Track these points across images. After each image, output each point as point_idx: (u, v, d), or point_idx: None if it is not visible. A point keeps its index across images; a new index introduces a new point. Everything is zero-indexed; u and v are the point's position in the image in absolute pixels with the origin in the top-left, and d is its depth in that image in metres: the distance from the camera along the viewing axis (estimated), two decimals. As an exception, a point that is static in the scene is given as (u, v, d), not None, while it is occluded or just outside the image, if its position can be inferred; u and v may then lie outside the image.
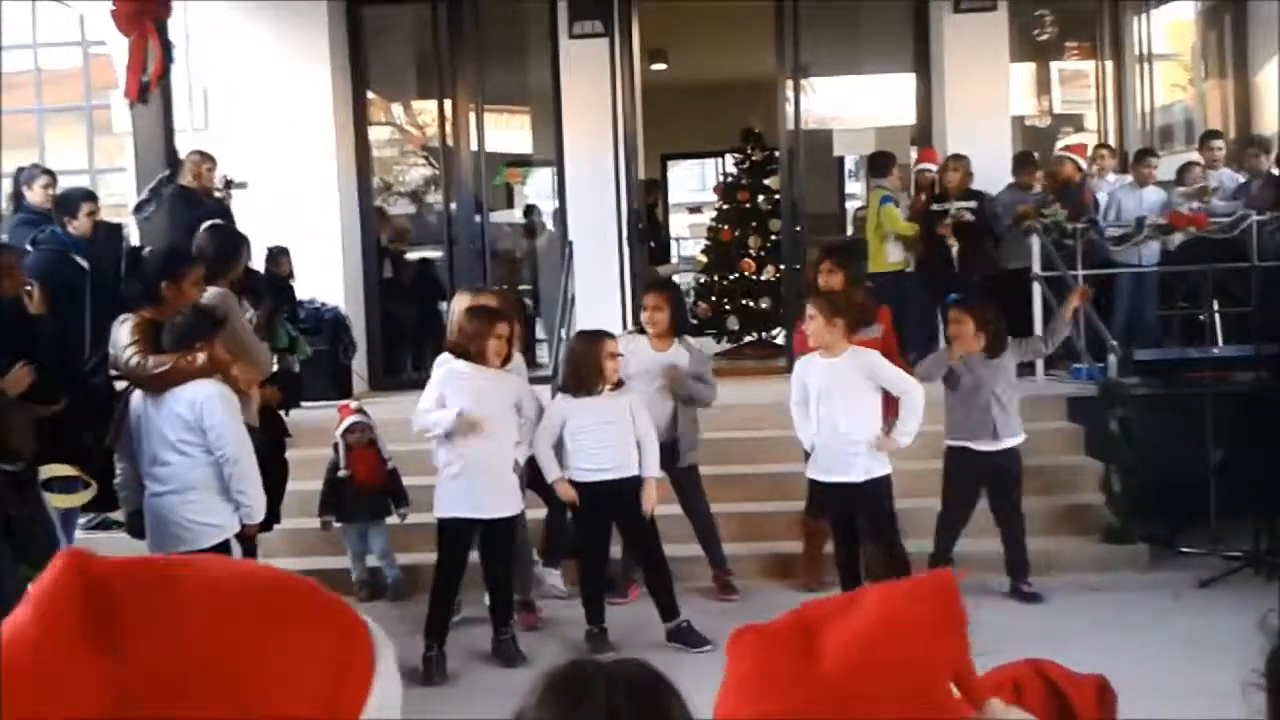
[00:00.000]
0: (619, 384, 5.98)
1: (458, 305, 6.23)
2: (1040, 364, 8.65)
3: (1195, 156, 10.05)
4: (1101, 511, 7.21)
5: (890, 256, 9.28)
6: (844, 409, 5.95)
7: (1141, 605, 6.41)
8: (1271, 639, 1.08)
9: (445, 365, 5.91)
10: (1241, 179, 9.42)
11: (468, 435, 5.61)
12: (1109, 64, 10.97)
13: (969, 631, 1.09)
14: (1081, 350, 8.35)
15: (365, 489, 6.44)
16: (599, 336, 6.05)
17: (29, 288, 6.31)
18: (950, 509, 6.55)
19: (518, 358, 6.28)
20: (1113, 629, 6.02)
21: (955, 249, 8.99)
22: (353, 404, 6.94)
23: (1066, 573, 6.90)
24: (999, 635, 5.93)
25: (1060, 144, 11.27)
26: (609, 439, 5.88)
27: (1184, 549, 7.10)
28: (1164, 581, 6.75)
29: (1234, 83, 10.90)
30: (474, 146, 10.72)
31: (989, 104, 10.00)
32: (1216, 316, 8.61)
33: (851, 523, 6.12)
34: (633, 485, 5.92)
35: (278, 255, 8.88)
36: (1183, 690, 5.01)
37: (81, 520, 6.59)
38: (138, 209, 8.18)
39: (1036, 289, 8.61)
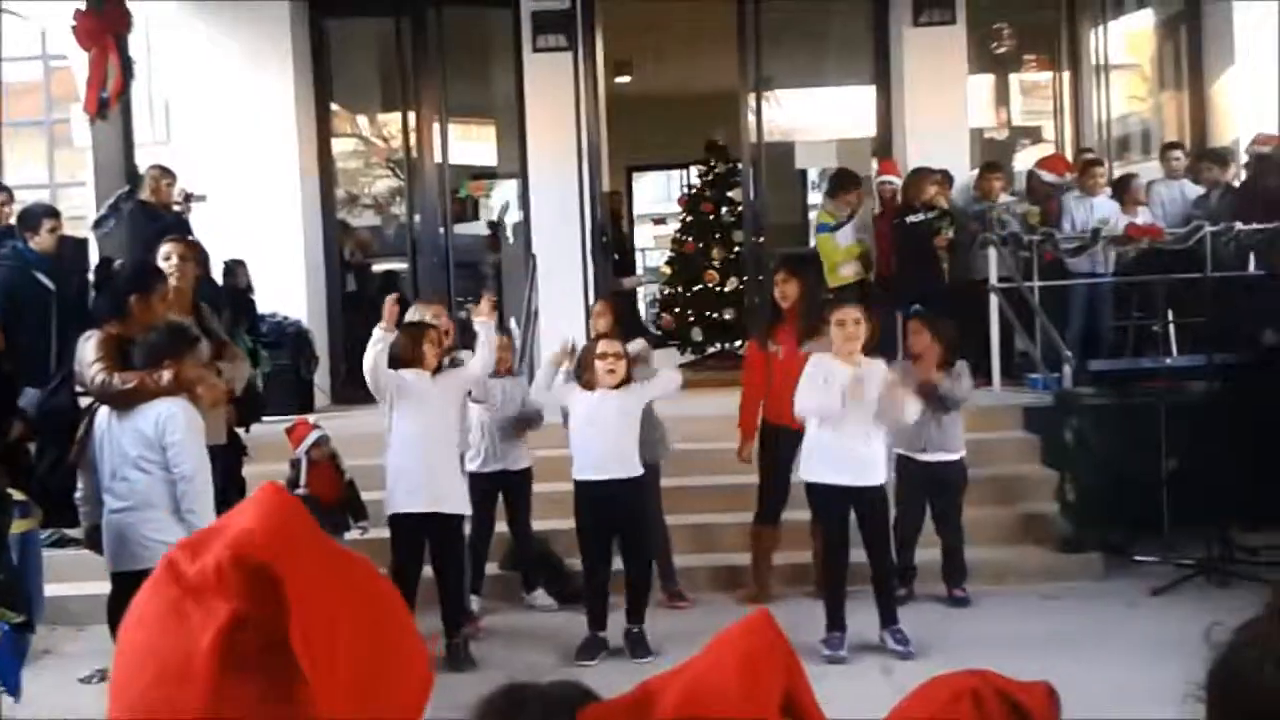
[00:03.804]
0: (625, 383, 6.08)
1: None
2: (997, 374, 8.77)
3: (1152, 166, 10.20)
4: (1057, 520, 7.31)
5: (841, 271, 9.33)
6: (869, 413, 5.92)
7: (1096, 613, 6.49)
8: (1215, 651, 1.11)
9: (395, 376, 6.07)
10: (1201, 190, 9.55)
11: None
12: (1066, 75, 11.10)
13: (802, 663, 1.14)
14: (1038, 360, 8.45)
15: (323, 505, 6.45)
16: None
17: None
18: (901, 514, 6.61)
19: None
20: (1068, 637, 6.07)
21: (943, 255, 9.19)
22: (310, 419, 6.95)
23: (1022, 581, 6.99)
24: (953, 644, 6.05)
25: (1022, 154, 11.43)
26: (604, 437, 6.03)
27: (1138, 557, 7.19)
28: (1118, 590, 6.84)
29: (1190, 94, 11.05)
30: (438, 159, 10.75)
31: (948, 116, 10.13)
32: (1171, 327, 8.73)
33: (846, 527, 6.08)
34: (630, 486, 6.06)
35: (234, 267, 8.88)
36: (1137, 697, 5.09)
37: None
38: (97, 224, 8.17)
39: (994, 300, 8.71)
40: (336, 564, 1.04)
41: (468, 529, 6.42)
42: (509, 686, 1.27)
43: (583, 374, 6.12)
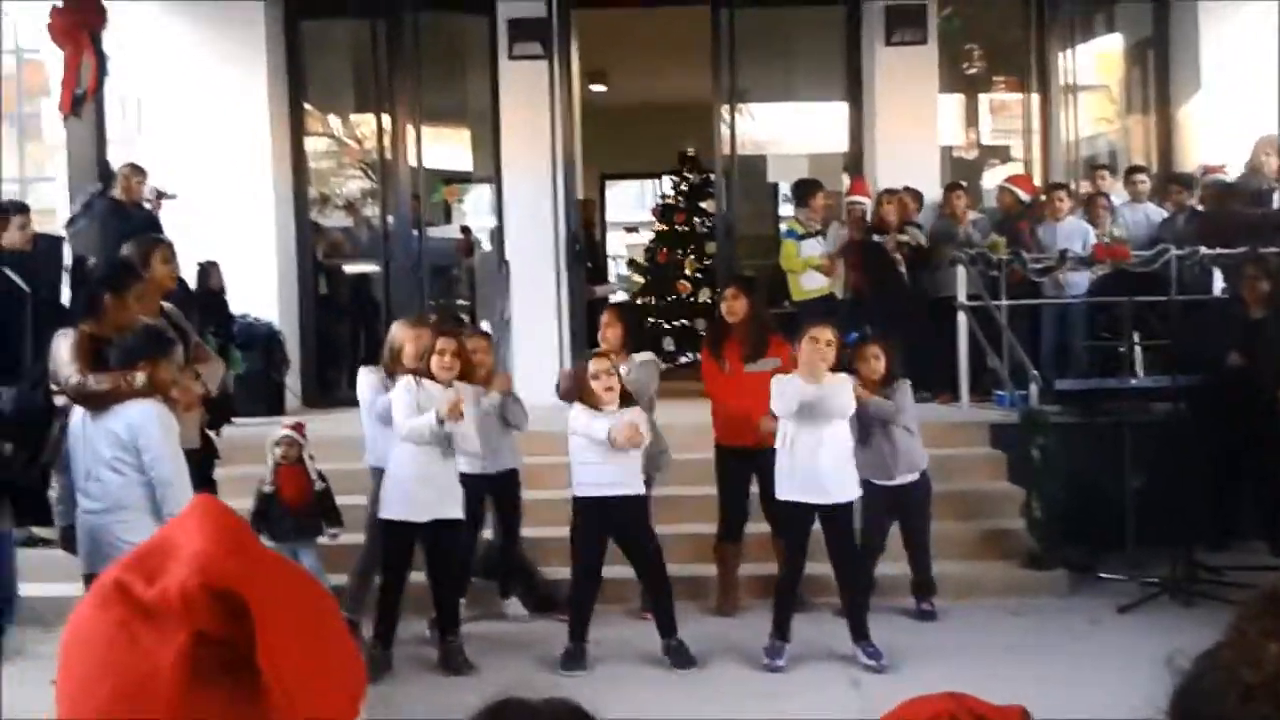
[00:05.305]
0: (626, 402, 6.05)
1: (397, 334, 6.49)
2: (965, 391, 8.86)
3: (1118, 188, 10.32)
4: (1022, 537, 7.37)
5: (804, 284, 9.36)
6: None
7: (1060, 629, 6.57)
8: (1178, 679, 1.08)
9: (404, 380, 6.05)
10: (1165, 213, 9.67)
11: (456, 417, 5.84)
12: (1035, 96, 11.22)
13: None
14: (1005, 378, 8.54)
15: (293, 508, 6.42)
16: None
17: None
18: (863, 535, 6.62)
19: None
20: (1031, 652, 6.15)
21: (904, 271, 9.25)
22: (292, 420, 6.93)
23: (988, 596, 7.06)
24: (919, 657, 6.11)
25: (990, 174, 11.54)
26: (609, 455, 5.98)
27: (1103, 575, 7.28)
28: (1082, 607, 6.91)
29: (1156, 118, 11.20)
30: (412, 162, 10.74)
31: (918, 134, 10.24)
32: (1136, 348, 8.85)
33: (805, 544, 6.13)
34: (635, 504, 6.06)
35: (209, 269, 8.84)
36: (1100, 714, 5.16)
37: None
38: (69, 223, 8.11)
39: (961, 317, 8.80)
40: (285, 576, 1.04)
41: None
42: (502, 702, 1.27)
43: (579, 394, 6.06)
